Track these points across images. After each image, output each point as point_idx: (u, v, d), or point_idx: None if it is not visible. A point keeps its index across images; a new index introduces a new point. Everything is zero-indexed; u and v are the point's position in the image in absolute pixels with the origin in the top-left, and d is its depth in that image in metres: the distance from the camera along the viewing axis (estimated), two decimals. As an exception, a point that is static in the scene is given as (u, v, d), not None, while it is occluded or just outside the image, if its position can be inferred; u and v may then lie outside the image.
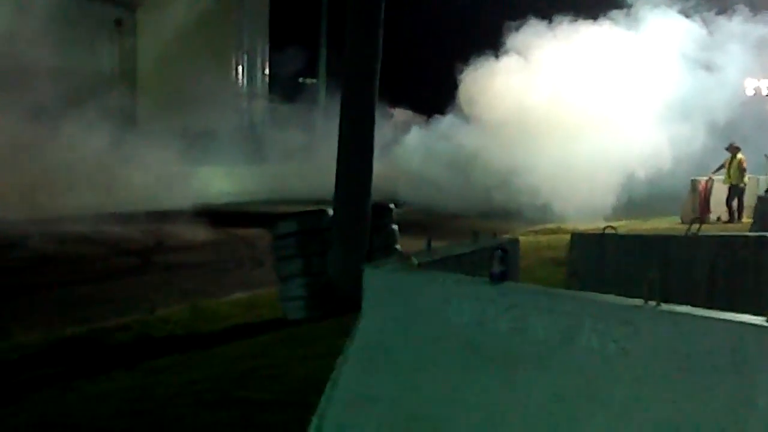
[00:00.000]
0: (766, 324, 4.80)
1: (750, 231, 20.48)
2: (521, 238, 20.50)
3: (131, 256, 18.57)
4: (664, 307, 5.25)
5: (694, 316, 5.10)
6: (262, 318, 13.38)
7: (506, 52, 34.33)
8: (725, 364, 4.85)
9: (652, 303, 5.29)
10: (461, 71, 35.67)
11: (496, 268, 5.93)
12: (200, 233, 22.38)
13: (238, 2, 46.94)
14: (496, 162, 31.59)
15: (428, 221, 22.73)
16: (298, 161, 38.12)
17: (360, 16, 14.09)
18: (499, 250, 6.01)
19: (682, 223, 24.53)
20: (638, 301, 5.36)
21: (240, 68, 48.04)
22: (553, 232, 24.01)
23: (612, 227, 10.29)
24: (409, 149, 36.77)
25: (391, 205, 15.07)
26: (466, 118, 35.63)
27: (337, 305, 12.83)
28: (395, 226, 14.76)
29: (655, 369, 5.11)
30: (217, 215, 26.89)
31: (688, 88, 30.81)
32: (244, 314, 13.61)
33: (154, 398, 9.15)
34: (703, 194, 28.99)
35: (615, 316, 5.36)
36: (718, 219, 28.47)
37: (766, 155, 32.84)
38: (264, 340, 12.03)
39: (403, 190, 28.51)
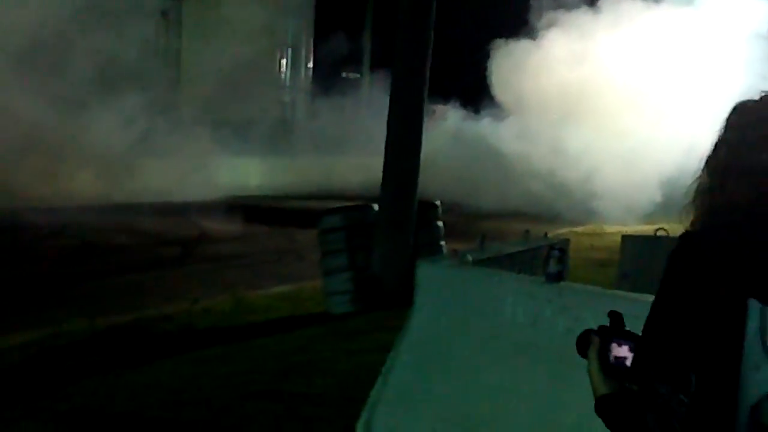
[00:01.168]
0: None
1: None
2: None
3: (173, 247, 18.58)
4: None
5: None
6: (306, 311, 13.36)
7: (543, 32, 34.05)
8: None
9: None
10: (492, 53, 35.47)
11: (553, 268, 5.88)
12: (241, 225, 22.40)
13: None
14: (534, 157, 31.36)
15: (462, 221, 22.52)
16: (340, 156, 38.07)
17: (412, 11, 14.05)
18: (557, 250, 5.97)
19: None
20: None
21: (284, 61, 48.07)
22: (595, 233, 23.84)
23: (664, 229, 10.21)
24: (439, 144, 36.55)
25: (437, 202, 15.01)
26: (499, 108, 35.51)
27: (381, 300, 12.81)
28: (440, 223, 14.71)
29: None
30: (257, 207, 26.92)
31: (754, 75, 30.51)
32: (287, 307, 13.60)
33: (198, 389, 9.16)
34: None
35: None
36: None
37: None
38: (308, 333, 12.01)
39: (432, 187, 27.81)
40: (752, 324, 2.07)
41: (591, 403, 5.37)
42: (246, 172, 34.16)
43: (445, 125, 36.46)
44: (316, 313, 13.20)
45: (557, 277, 5.88)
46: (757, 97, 2.50)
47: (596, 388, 2.47)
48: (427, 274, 6.60)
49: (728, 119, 2.51)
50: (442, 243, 14.33)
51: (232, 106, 36.93)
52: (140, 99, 27.78)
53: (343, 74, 43.89)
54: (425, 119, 14.39)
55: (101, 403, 8.75)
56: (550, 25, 33.89)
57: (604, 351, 2.51)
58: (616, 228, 22.02)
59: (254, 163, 35.44)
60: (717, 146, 2.47)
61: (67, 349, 10.70)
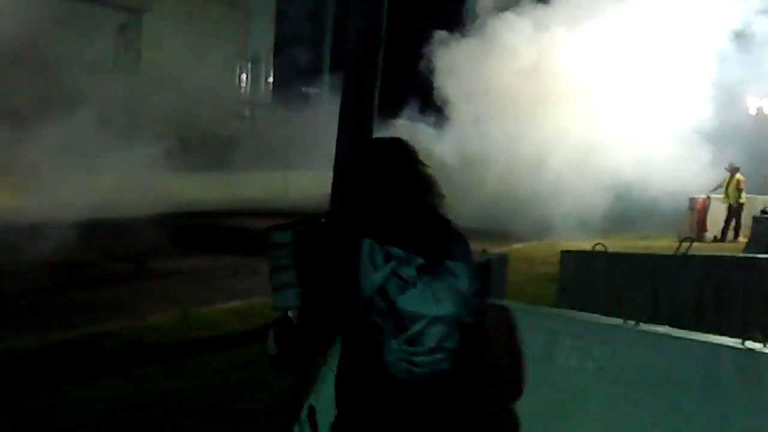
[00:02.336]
0: (741, 346, 4.82)
1: (744, 251, 20.55)
2: (515, 253, 20.61)
3: (122, 263, 18.53)
4: (642, 327, 5.28)
5: (671, 336, 5.13)
6: (254, 327, 13.33)
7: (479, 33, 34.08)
8: (700, 385, 4.88)
9: (631, 323, 5.30)
10: (433, 57, 35.11)
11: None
12: (194, 240, 22.37)
13: (244, 10, 47.06)
14: (488, 170, 31.31)
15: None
16: (298, 170, 38.15)
17: (361, 30, 14.15)
18: (481, 265, 6.04)
19: (678, 241, 24.48)
20: (617, 321, 5.38)
21: (244, 76, 48.15)
22: (549, 247, 23.96)
23: (602, 245, 10.26)
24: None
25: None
26: (444, 114, 35.41)
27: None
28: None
29: (632, 388, 5.13)
30: (207, 223, 26.93)
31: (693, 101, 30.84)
32: (236, 323, 13.57)
33: (139, 406, 9.16)
34: (700, 212, 29.00)
35: (594, 335, 5.39)
36: (715, 238, 28.49)
37: (764, 175, 32.92)
38: (254, 348, 12.01)
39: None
40: (364, 249, 3.90)
41: (516, 416, 5.44)
42: (199, 187, 34.09)
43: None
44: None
45: (481, 294, 5.94)
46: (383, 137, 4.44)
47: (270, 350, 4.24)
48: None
49: (360, 154, 4.38)
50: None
51: (191, 120, 36.90)
52: (92, 114, 27.59)
53: (303, 88, 43.93)
54: (375, 134, 14.48)
55: (44, 420, 8.75)
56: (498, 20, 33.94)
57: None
58: (571, 243, 22.14)
59: (208, 178, 35.41)
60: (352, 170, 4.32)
61: (13, 366, 10.65)
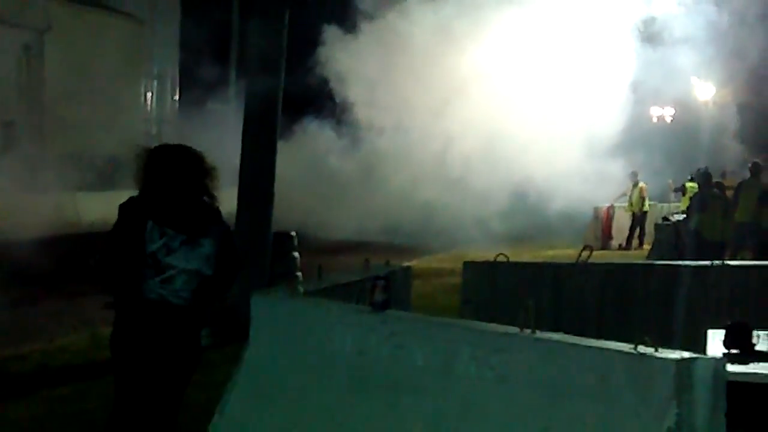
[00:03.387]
0: (633, 351, 4.93)
1: (648, 258, 20.91)
2: (424, 265, 20.75)
3: (27, 285, 18.26)
4: (539, 334, 5.37)
5: (566, 343, 5.23)
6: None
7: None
8: (594, 391, 4.98)
9: (528, 330, 5.40)
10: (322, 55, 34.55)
11: (378, 297, 6.05)
12: (100, 258, 22.11)
13: (148, 28, 46.75)
14: (396, 181, 31.18)
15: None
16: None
17: (261, 44, 14.20)
18: (381, 280, 6.13)
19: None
20: (514, 329, 5.46)
21: (149, 94, 47.82)
22: (460, 258, 24.02)
23: (504, 255, 10.43)
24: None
25: (293, 233, 15.12)
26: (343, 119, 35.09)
27: (238, 332, 12.79)
28: (297, 254, 14.82)
29: (529, 395, 5.23)
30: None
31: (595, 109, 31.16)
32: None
33: (50, 428, 9.10)
34: (604, 221, 29.40)
35: (492, 344, 5.49)
36: (620, 246, 28.91)
37: (670, 183, 33.47)
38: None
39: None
40: (148, 227, 6.28)
41: (418, 426, 5.55)
42: (105, 207, 33.69)
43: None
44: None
45: (382, 306, 6.04)
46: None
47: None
48: (260, 306, 6.72)
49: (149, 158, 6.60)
50: (298, 274, 14.42)
51: (95, 139, 36.56)
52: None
53: (209, 105, 43.69)
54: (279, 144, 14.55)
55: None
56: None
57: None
58: (487, 254, 22.19)
59: (112, 197, 34.98)
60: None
61: None
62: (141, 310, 6.44)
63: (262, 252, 13.89)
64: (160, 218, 6.33)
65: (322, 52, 34.79)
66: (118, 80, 40.42)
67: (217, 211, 6.58)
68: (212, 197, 6.56)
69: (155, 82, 48.23)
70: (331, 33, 34.94)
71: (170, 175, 6.42)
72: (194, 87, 44.10)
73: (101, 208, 32.73)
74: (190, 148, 6.65)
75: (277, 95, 14.17)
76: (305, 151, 34.09)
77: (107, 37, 40.79)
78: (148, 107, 47.93)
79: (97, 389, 10.71)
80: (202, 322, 6.63)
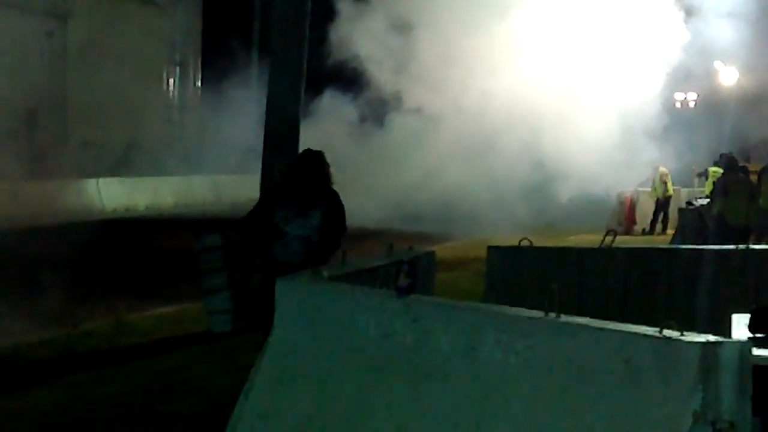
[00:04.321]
0: (659, 335, 4.91)
1: (672, 242, 20.85)
2: (447, 251, 20.73)
3: (52, 270, 18.32)
4: (563, 318, 5.35)
5: (591, 327, 5.22)
6: (187, 332, 13.36)
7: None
8: (620, 375, 4.97)
9: (552, 315, 5.38)
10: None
11: (402, 282, 6.05)
12: (125, 243, 22.27)
13: (170, 14, 46.83)
14: (409, 165, 31.00)
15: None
16: (231, 172, 38.02)
17: (285, 34, 14.20)
18: (405, 264, 6.13)
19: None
20: (539, 313, 5.45)
21: (171, 80, 47.92)
22: (483, 244, 23.97)
23: (528, 239, 10.44)
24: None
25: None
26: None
27: (262, 318, 12.84)
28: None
29: (554, 380, 5.22)
30: (144, 226, 26.81)
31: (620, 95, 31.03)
32: (169, 328, 13.57)
33: (72, 413, 9.14)
34: (628, 206, 29.35)
35: (516, 328, 5.48)
36: (644, 231, 28.86)
37: (694, 169, 33.36)
38: (187, 353, 12.04)
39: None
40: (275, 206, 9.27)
41: (443, 411, 5.56)
42: (127, 193, 33.82)
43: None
44: (197, 333, 13.22)
45: (407, 291, 6.03)
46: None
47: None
48: (285, 291, 6.71)
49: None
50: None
51: (118, 124, 36.68)
52: (24, 118, 27.38)
53: (231, 91, 43.77)
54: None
55: (-28, 432, 8.72)
56: None
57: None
58: (510, 239, 22.15)
59: (144, 182, 35.15)
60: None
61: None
62: (271, 265, 9.13)
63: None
64: (282, 197, 9.27)
65: (337, 26, 34.36)
66: (140, 67, 40.52)
67: (329, 191, 9.30)
68: (328, 180, 9.32)
69: (177, 69, 48.31)
70: (345, 5, 34.51)
71: (291, 168, 9.54)
72: (217, 73, 44.17)
73: (124, 194, 33.02)
74: (310, 149, 9.58)
75: (300, 83, 14.21)
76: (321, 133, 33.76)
77: (129, 24, 40.89)
78: (171, 94, 48.02)
79: (120, 375, 10.82)
80: None
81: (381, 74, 33.65)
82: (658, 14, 32.14)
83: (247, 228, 9.91)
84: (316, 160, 9.31)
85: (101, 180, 32.74)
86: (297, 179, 9.19)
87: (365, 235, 23.21)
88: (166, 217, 30.99)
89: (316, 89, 33.71)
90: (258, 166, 14.52)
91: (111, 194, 32.64)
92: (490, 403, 5.45)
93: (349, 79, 35.45)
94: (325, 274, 6.93)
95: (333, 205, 9.23)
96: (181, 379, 10.56)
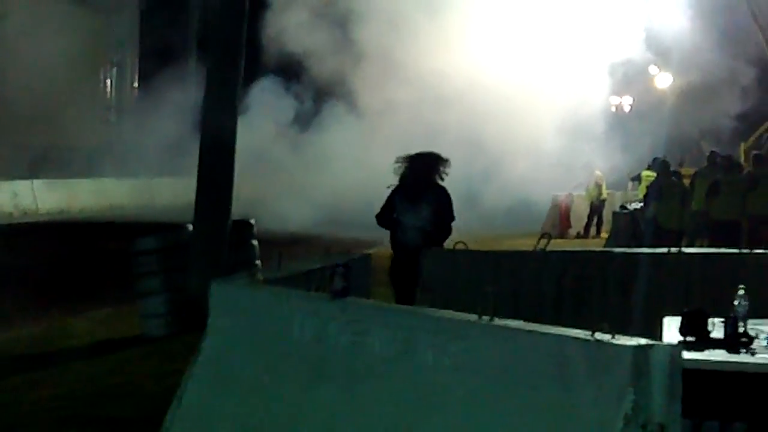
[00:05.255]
0: (591, 338, 4.95)
1: (605, 246, 21.05)
2: (385, 256, 20.72)
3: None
4: (497, 321, 5.37)
5: (524, 330, 5.24)
6: (122, 335, 13.28)
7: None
8: (553, 378, 4.99)
9: (486, 318, 5.40)
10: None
11: (337, 284, 6.05)
12: (59, 247, 22.08)
13: (107, 15, 46.47)
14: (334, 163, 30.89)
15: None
16: (166, 175, 37.81)
17: (221, 33, 14.17)
18: (340, 267, 6.13)
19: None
20: (473, 317, 5.47)
21: (108, 81, 47.56)
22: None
23: (463, 243, 10.51)
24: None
25: (252, 221, 15.11)
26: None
27: (198, 321, 12.77)
28: (256, 242, 14.81)
29: (488, 383, 5.23)
30: (79, 229, 26.59)
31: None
32: (104, 331, 13.49)
33: (5, 418, 9.05)
34: (562, 210, 29.57)
35: (450, 331, 5.49)
36: (578, 234, 29.11)
37: (629, 175, 33.69)
38: (121, 357, 11.97)
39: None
40: (396, 199, 10.82)
41: (377, 413, 5.55)
42: (62, 195, 33.52)
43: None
44: (132, 336, 13.15)
45: (342, 294, 6.04)
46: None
47: None
48: (219, 294, 6.70)
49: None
50: (258, 262, 14.41)
51: (53, 126, 36.32)
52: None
53: (168, 93, 43.53)
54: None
55: None
56: None
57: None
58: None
59: (77, 185, 34.85)
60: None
61: None
62: (396, 249, 10.90)
63: (221, 240, 13.86)
64: (400, 192, 10.78)
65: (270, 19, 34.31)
66: (75, 67, 40.14)
67: (439, 187, 10.87)
68: (439, 177, 10.90)
69: (114, 70, 47.96)
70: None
71: (405, 170, 10.84)
72: (154, 74, 43.90)
73: (58, 196, 32.71)
74: (422, 152, 11.08)
75: (236, 84, 14.18)
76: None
77: (63, 25, 40.49)
78: (108, 95, 47.66)
79: (55, 378, 10.76)
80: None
81: (317, 69, 33.50)
82: (597, 17, 32.41)
83: (379, 222, 10.99)
84: (425, 161, 10.90)
85: (35, 182, 32.46)
86: (409, 178, 10.77)
87: (297, 240, 23.21)
88: (101, 220, 30.75)
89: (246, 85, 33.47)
90: (195, 167, 14.43)
91: (45, 196, 32.40)
92: (424, 406, 5.46)
93: (282, 72, 35.10)
94: (260, 277, 6.92)
95: (441, 199, 10.74)
96: (115, 383, 10.50)
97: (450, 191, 10.84)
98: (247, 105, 33.60)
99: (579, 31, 32.67)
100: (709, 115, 39.95)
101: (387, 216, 10.81)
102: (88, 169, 35.96)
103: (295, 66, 34.41)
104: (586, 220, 29.50)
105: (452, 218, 10.90)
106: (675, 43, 34.54)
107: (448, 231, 10.89)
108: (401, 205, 10.64)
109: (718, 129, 40.82)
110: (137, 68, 49.50)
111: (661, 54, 37.83)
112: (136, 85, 49.28)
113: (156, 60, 44.21)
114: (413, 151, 11.03)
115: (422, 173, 10.77)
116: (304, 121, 35.63)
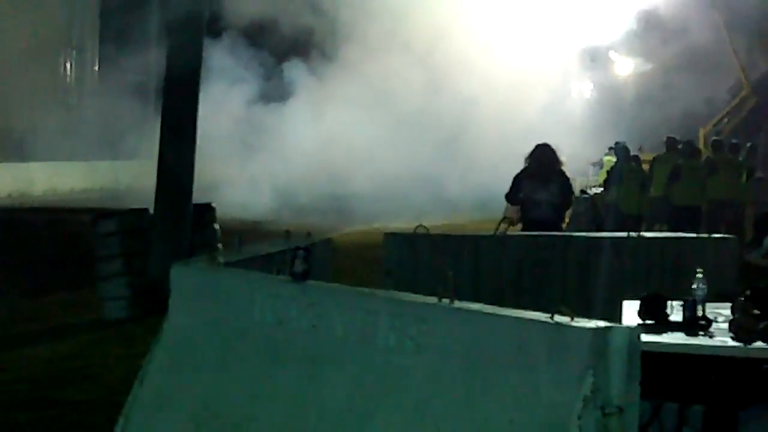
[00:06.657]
0: (550, 321, 4.97)
1: (566, 230, 21.13)
2: (346, 239, 20.75)
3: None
4: (457, 304, 5.38)
5: (484, 313, 5.25)
6: (83, 318, 13.25)
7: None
8: (513, 360, 5.01)
9: (446, 301, 5.42)
10: None
11: (298, 267, 6.05)
12: (20, 229, 21.97)
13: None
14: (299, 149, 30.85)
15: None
16: (127, 158, 37.61)
17: (181, 13, 14.11)
18: (302, 250, 6.14)
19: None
20: (433, 299, 5.49)
21: (68, 64, 47.20)
22: (380, 232, 24.02)
23: (424, 227, 10.50)
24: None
25: (213, 204, 15.08)
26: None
27: (159, 304, 12.74)
28: (217, 225, 14.79)
29: (448, 365, 5.24)
30: (39, 212, 26.44)
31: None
32: (64, 314, 13.46)
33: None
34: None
35: (411, 314, 5.50)
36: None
37: (592, 163, 33.79)
38: (82, 340, 11.94)
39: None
40: (523, 182, 12.94)
41: (338, 396, 5.55)
42: (22, 179, 33.27)
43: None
44: (93, 319, 13.11)
45: (303, 276, 6.04)
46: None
47: None
48: (179, 276, 6.69)
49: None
50: (219, 245, 14.39)
51: (12, 110, 36.03)
52: None
53: (129, 76, 43.27)
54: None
55: None
56: None
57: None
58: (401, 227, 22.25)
59: (36, 168, 34.63)
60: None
61: None
62: (530, 225, 12.53)
63: (183, 223, 13.84)
64: (528, 174, 12.84)
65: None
66: (34, 51, 39.82)
67: (559, 169, 13.04)
68: (557, 163, 13.05)
69: (74, 53, 47.60)
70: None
71: (532, 157, 12.97)
72: (114, 57, 43.61)
73: (18, 179, 32.46)
74: (541, 143, 13.23)
75: (198, 61, 14.14)
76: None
77: (25, 8, 40.14)
78: (68, 78, 47.31)
79: (13, 361, 10.72)
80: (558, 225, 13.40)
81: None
82: (558, 4, 32.49)
83: (510, 201, 13.08)
84: (548, 150, 13.08)
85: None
86: (537, 163, 12.90)
87: (256, 227, 23.11)
88: (62, 203, 30.56)
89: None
90: (156, 150, 14.37)
91: (5, 179, 32.16)
92: (384, 388, 5.47)
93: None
94: (221, 259, 6.92)
95: (564, 178, 13.11)
96: (74, 366, 10.48)
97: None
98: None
99: (540, 14, 32.73)
100: (668, 101, 40.13)
101: (515, 196, 12.96)
102: (48, 153, 35.69)
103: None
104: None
105: (573, 194, 14.86)
106: (636, 29, 34.65)
107: (569, 204, 14.52)
108: (532, 185, 12.74)
109: (677, 114, 41.01)
110: (98, 51, 49.11)
111: (622, 40, 37.94)
112: (96, 68, 48.92)
113: (117, 42, 43.87)
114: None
115: (548, 160, 12.98)
116: (263, 104, 35.44)
